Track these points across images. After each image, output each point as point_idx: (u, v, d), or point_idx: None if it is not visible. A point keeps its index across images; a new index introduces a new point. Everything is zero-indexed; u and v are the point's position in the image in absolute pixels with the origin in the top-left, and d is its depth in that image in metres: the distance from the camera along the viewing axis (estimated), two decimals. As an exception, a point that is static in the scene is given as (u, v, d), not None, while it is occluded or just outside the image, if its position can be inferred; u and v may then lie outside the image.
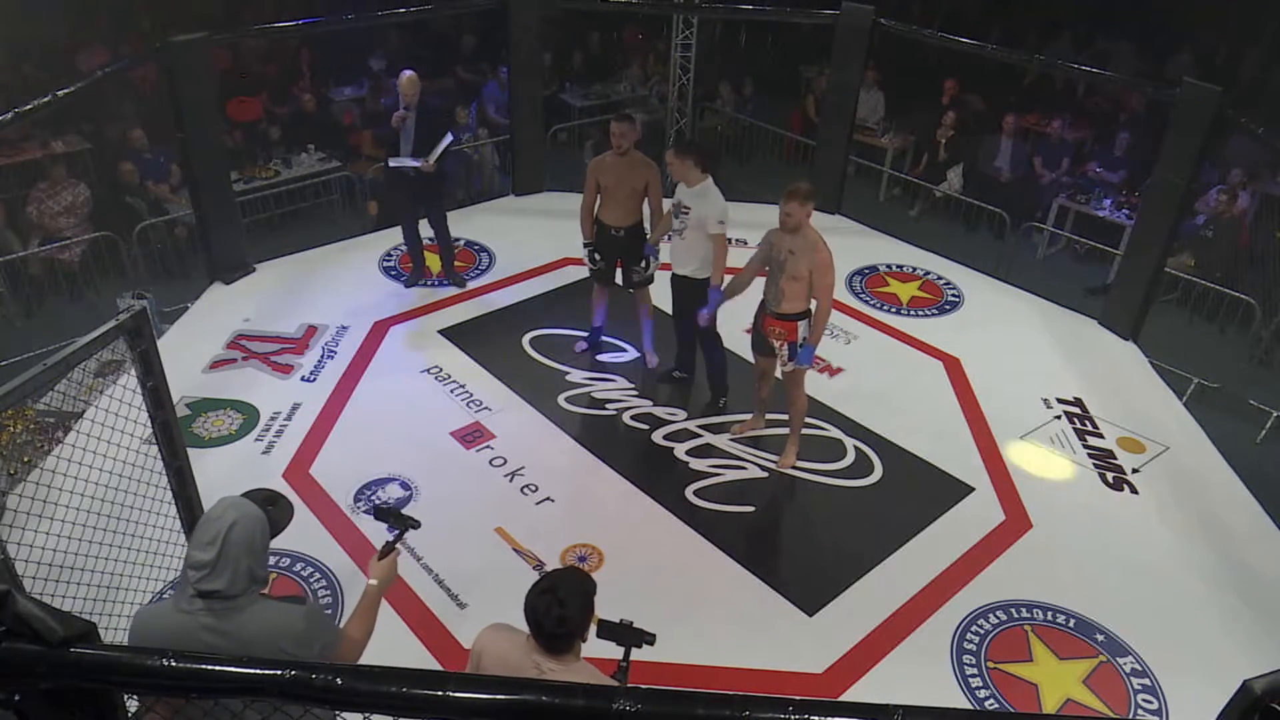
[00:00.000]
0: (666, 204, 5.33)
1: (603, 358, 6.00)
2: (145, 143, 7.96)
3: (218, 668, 1.44)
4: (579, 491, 4.97)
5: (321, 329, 6.19)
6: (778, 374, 5.05)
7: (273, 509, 2.39)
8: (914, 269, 7.29)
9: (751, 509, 4.88)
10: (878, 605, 4.30)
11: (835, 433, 5.41)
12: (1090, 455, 5.36)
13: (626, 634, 2.61)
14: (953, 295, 6.98)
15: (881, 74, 9.89)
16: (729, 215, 5.03)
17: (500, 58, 9.06)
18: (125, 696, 1.69)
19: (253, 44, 9.85)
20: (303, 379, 5.70)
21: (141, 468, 3.58)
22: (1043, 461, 5.30)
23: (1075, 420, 5.64)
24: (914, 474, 5.16)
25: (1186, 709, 3.85)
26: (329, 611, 4.12)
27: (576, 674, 2.34)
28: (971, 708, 3.78)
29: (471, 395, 5.61)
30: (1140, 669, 4.05)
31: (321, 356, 5.91)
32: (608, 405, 5.59)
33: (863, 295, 6.90)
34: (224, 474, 4.72)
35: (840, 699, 3.69)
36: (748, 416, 5.40)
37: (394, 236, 6.92)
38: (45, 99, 4.91)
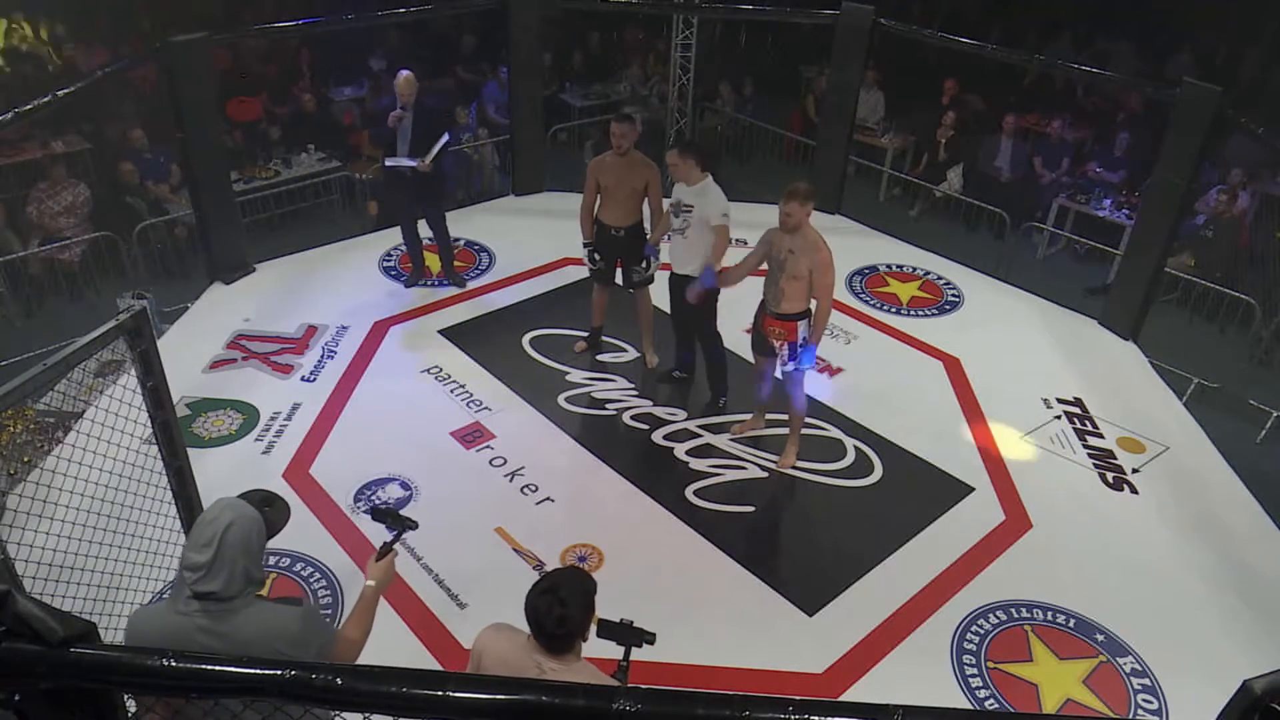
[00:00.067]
0: (666, 204, 5.33)
1: (603, 358, 6.00)
2: (145, 143, 7.97)
3: (218, 668, 1.44)
4: (579, 491, 4.97)
5: (321, 329, 6.19)
6: (778, 374, 5.05)
7: (269, 510, 2.39)
8: (914, 269, 7.29)
9: (751, 509, 4.88)
10: (878, 605, 4.30)
11: (835, 433, 5.41)
12: (1090, 455, 5.36)
13: (626, 633, 2.61)
14: (953, 295, 6.98)
15: (881, 74, 9.90)
16: (731, 211, 5.04)
17: (500, 58, 9.06)
18: (124, 697, 1.69)
19: (253, 44, 9.85)
20: (303, 379, 5.70)
21: (141, 468, 3.58)
22: (1043, 461, 5.30)
23: (1075, 420, 5.64)
24: (914, 474, 5.16)
25: (1186, 709, 3.85)
26: (329, 612, 4.12)
27: (577, 674, 2.34)
28: (971, 708, 3.78)
29: (471, 395, 5.61)
30: (1140, 669, 4.05)
31: (321, 356, 5.91)
32: (608, 405, 5.59)
33: (863, 295, 6.90)
34: (224, 474, 4.72)
35: (840, 699, 3.69)
36: (748, 416, 5.40)
37: (394, 236, 6.92)
38: (45, 99, 4.91)
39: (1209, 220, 7.80)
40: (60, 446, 4.56)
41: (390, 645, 3.85)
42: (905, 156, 9.90)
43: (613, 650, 2.64)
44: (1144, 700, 3.92)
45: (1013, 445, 5.40)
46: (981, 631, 4.20)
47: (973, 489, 5.05)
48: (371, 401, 5.54)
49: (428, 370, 5.83)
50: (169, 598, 2.25)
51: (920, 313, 6.74)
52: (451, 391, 5.65)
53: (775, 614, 4.27)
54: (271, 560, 4.32)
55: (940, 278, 7.18)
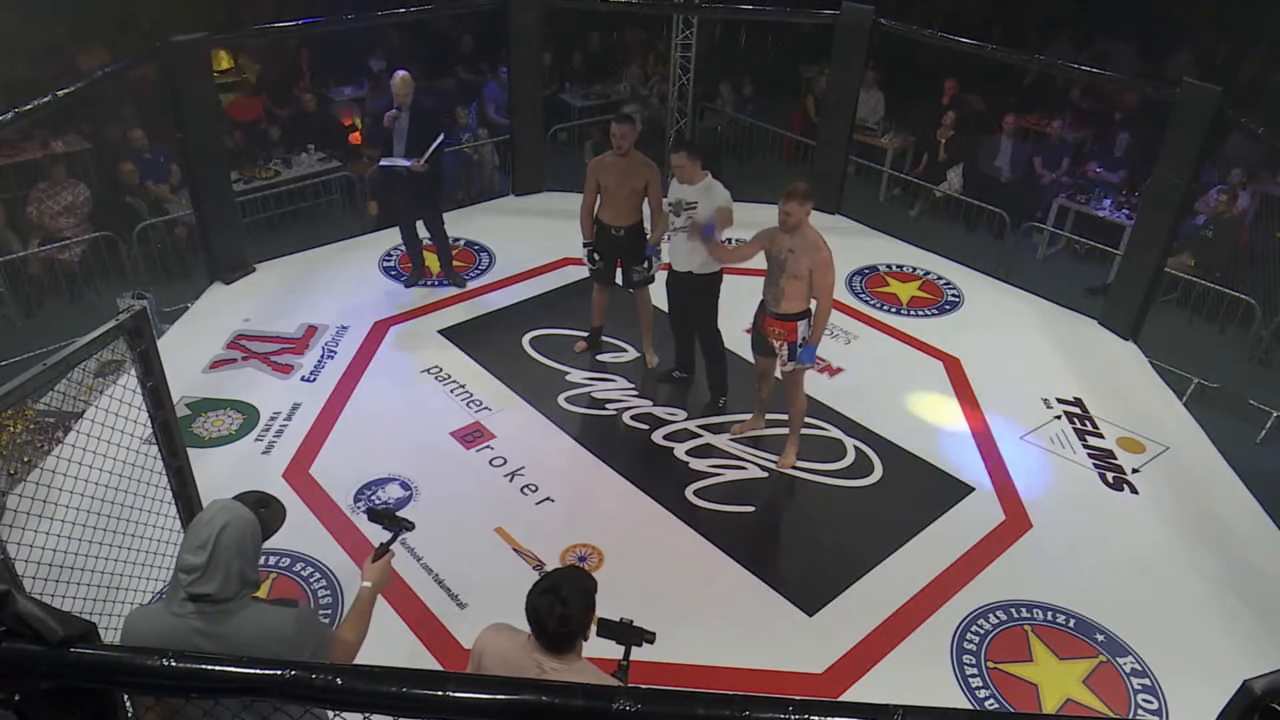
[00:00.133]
0: (665, 204, 5.32)
1: (603, 358, 6.00)
2: (145, 143, 7.97)
3: (218, 668, 1.44)
4: (579, 491, 4.97)
5: (321, 329, 6.19)
6: (778, 374, 5.05)
7: (264, 511, 2.39)
8: (914, 269, 7.29)
9: (751, 509, 4.88)
10: (878, 605, 4.30)
11: (835, 433, 5.41)
12: (1090, 455, 5.36)
13: (626, 633, 2.62)
14: (953, 295, 6.98)
15: (881, 74, 9.89)
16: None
17: (500, 58, 9.06)
18: (123, 697, 1.69)
19: (253, 44, 9.85)
20: (303, 379, 5.70)
21: (141, 468, 3.58)
22: (1043, 461, 5.30)
23: (1075, 420, 5.64)
24: (914, 474, 5.16)
25: (1186, 709, 3.85)
26: (328, 612, 4.12)
27: (579, 673, 2.34)
28: (971, 708, 3.78)
29: (471, 395, 5.61)
30: (1140, 669, 4.05)
31: (321, 356, 5.91)
32: (608, 405, 5.59)
33: (863, 295, 6.90)
34: (224, 474, 4.72)
35: (840, 699, 3.69)
36: (748, 416, 5.40)
37: (394, 236, 6.92)
38: (45, 99, 4.91)
39: (1209, 220, 7.80)
40: (60, 446, 4.56)
41: (390, 645, 3.86)
42: (905, 156, 9.90)
43: (613, 650, 2.64)
44: (1144, 700, 3.92)
45: (1013, 445, 5.40)
46: (981, 631, 4.20)
47: (973, 489, 5.05)
48: (371, 401, 5.54)
49: (428, 370, 5.83)
50: (164, 599, 2.25)
51: (920, 313, 6.74)
52: (451, 391, 5.65)
53: (775, 614, 4.27)
54: (271, 560, 4.33)
55: (940, 278, 7.18)
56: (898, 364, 6.15)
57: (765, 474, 5.09)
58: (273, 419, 5.33)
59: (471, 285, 6.80)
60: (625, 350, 6.06)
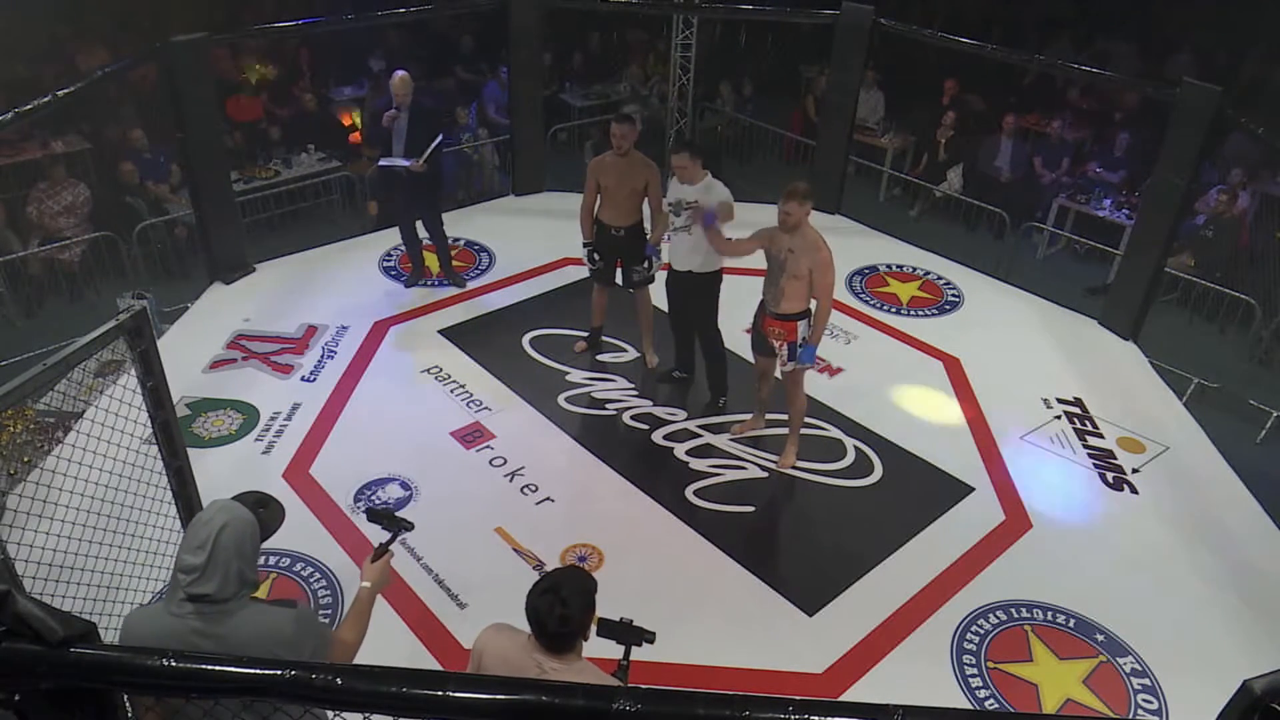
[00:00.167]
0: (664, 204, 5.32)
1: (603, 358, 6.00)
2: (145, 143, 7.97)
3: (218, 668, 1.44)
4: (579, 491, 4.97)
5: (321, 329, 6.19)
6: (777, 374, 5.05)
7: (263, 511, 2.38)
8: (914, 269, 7.29)
9: (751, 509, 4.88)
10: (878, 605, 4.30)
11: (835, 433, 5.41)
12: (1090, 455, 5.36)
13: (626, 632, 2.62)
14: (953, 295, 6.98)
15: (881, 74, 9.90)
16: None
17: (500, 58, 9.06)
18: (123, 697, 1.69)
19: (252, 44, 9.85)
20: (303, 379, 5.70)
21: (141, 468, 3.58)
22: (1043, 461, 5.30)
23: (1075, 420, 5.64)
24: (914, 474, 5.16)
25: (1186, 709, 3.85)
26: (329, 612, 4.12)
27: (579, 673, 2.34)
28: (971, 708, 3.78)
29: (471, 395, 5.61)
30: (1140, 669, 4.05)
31: (321, 356, 5.91)
32: (608, 405, 5.59)
33: (863, 295, 6.90)
34: (224, 474, 4.72)
35: (840, 699, 3.69)
36: (748, 416, 5.40)
37: (394, 237, 6.92)
38: (45, 99, 4.91)
39: (1209, 220, 7.81)
40: (60, 446, 4.56)
41: (390, 645, 3.86)
42: (905, 156, 9.90)
43: (612, 650, 2.64)
44: (1144, 700, 3.92)
45: (1013, 445, 5.40)
46: (981, 631, 4.20)
47: (973, 489, 5.05)
48: (371, 401, 5.54)
49: (428, 370, 5.83)
50: (163, 600, 2.25)
51: (920, 313, 6.74)
52: (451, 391, 5.65)
53: (775, 614, 4.27)
54: (271, 560, 4.33)
55: (940, 278, 7.19)
56: (898, 364, 6.15)
57: (765, 474, 5.09)
58: (273, 419, 5.33)
59: (472, 285, 6.80)
60: (625, 350, 6.06)
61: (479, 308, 6.55)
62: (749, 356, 5.24)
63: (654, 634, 2.62)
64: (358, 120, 9.51)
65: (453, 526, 4.59)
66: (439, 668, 3.80)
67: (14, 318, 6.97)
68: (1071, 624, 4.26)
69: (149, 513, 3.64)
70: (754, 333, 5.01)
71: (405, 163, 6.01)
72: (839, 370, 6.01)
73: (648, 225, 5.59)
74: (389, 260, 7.07)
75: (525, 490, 4.91)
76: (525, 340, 6.15)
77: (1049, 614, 4.31)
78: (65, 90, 5.10)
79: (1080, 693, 3.95)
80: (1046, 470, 5.24)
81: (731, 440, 5.32)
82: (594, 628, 2.48)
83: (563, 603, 2.30)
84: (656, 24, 10.92)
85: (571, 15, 10.76)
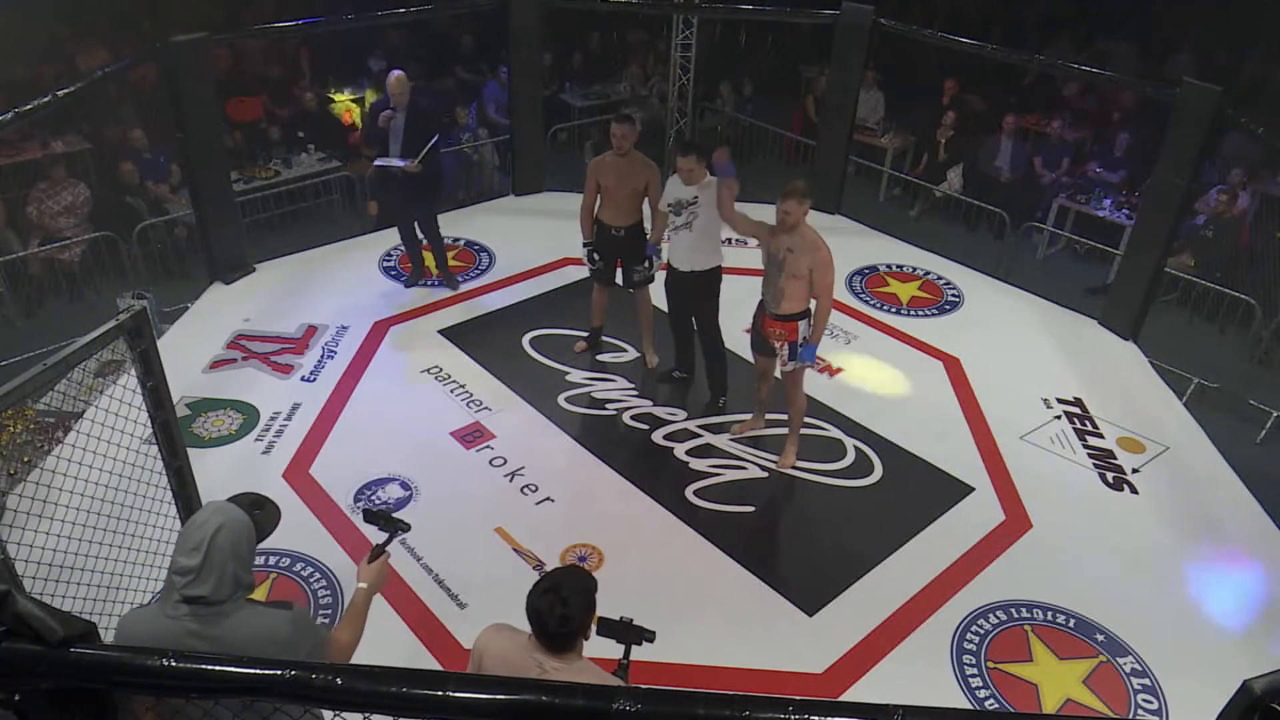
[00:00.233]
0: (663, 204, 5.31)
1: (603, 358, 6.00)
2: (145, 143, 7.97)
3: (217, 668, 1.44)
4: (579, 491, 4.97)
5: (321, 329, 6.19)
6: (777, 374, 5.05)
7: (259, 513, 2.38)
8: (914, 269, 7.29)
9: (751, 509, 4.88)
10: (878, 605, 4.30)
11: (835, 433, 5.41)
12: (1090, 455, 5.36)
13: (626, 631, 2.62)
14: (953, 295, 6.98)
15: (881, 74, 9.89)
16: None
17: (500, 58, 9.06)
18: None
19: (252, 44, 9.84)
20: (303, 379, 5.70)
21: (141, 468, 3.58)
22: (1043, 461, 5.30)
23: (1075, 420, 5.64)
24: (914, 474, 5.16)
25: (1186, 709, 3.85)
26: (328, 612, 4.12)
27: (580, 673, 2.34)
28: (971, 708, 3.78)
29: (471, 395, 5.61)
30: (1140, 669, 4.05)
31: (321, 356, 5.91)
32: (608, 405, 5.59)
33: (863, 295, 6.90)
34: (224, 474, 4.73)
35: (840, 699, 3.69)
36: (747, 416, 5.40)
37: (394, 237, 6.92)
38: (45, 99, 4.91)
39: (1209, 220, 7.80)
40: (60, 446, 4.56)
41: (390, 645, 3.87)
42: (905, 156, 9.90)
43: (613, 649, 2.64)
44: (1144, 700, 3.92)
45: (1013, 445, 5.40)
46: (981, 631, 4.20)
47: (973, 489, 5.05)
48: (371, 401, 5.54)
49: (428, 370, 5.83)
50: (158, 601, 2.25)
51: (920, 313, 6.74)
52: (451, 391, 5.65)
53: (775, 614, 4.27)
54: (271, 560, 4.33)
55: (940, 278, 7.18)
56: (898, 364, 6.15)
57: (765, 474, 5.09)
58: (273, 419, 5.33)
59: (471, 285, 6.80)
60: (625, 350, 6.06)
61: (479, 308, 6.55)
62: (749, 356, 5.24)
63: (654, 633, 2.62)
64: (358, 120, 9.49)
65: (453, 526, 4.59)
66: (439, 668, 3.80)
67: (14, 318, 6.97)
68: (1071, 624, 4.26)
69: (149, 513, 3.64)
70: (753, 333, 5.01)
71: (401, 163, 6.01)
72: (839, 370, 6.01)
73: (648, 225, 5.59)
74: (389, 260, 7.07)
75: (525, 490, 4.91)
76: (525, 340, 6.15)
77: (1049, 614, 4.31)
78: (65, 90, 5.10)
79: (1080, 693, 3.95)
80: (1046, 470, 5.23)
81: (731, 440, 5.32)
82: (594, 627, 2.48)
83: (563, 602, 2.30)
84: (656, 24, 10.92)
85: (571, 15, 10.76)
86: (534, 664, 2.34)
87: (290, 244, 7.40)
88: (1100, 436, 5.51)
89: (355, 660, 2.47)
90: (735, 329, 5.56)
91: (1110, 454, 5.37)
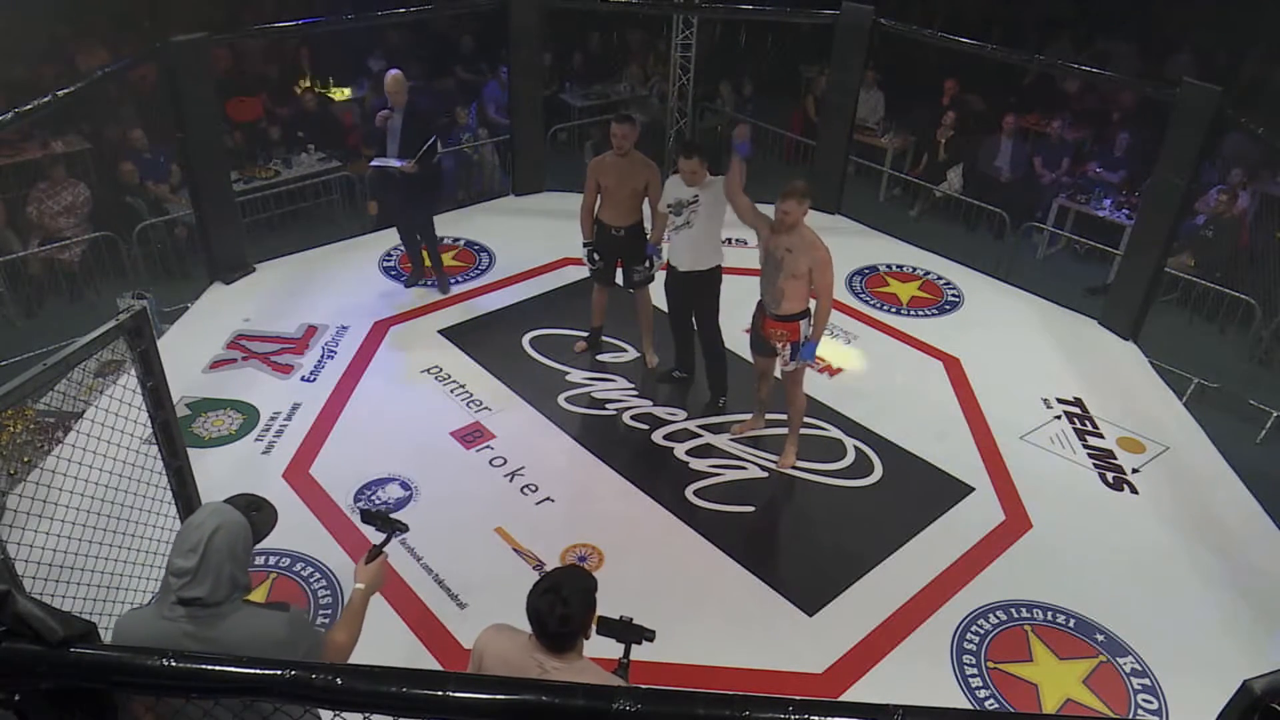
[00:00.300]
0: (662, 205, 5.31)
1: (603, 358, 6.00)
2: (145, 143, 7.97)
3: (218, 668, 1.44)
4: (579, 491, 4.97)
5: (321, 329, 6.19)
6: (777, 374, 5.05)
7: (256, 515, 2.37)
8: (914, 269, 7.29)
9: (751, 509, 4.88)
10: (878, 605, 4.30)
11: (835, 433, 5.41)
12: (1090, 455, 5.36)
13: (626, 631, 2.62)
14: (953, 295, 6.98)
15: (881, 74, 9.89)
16: None
17: (500, 58, 9.06)
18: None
19: (252, 44, 9.85)
20: (303, 379, 5.70)
21: (141, 468, 3.58)
22: (1043, 461, 5.30)
23: (1075, 420, 5.64)
24: (914, 474, 5.16)
25: (1186, 709, 3.85)
26: (328, 612, 4.12)
27: (580, 672, 2.34)
28: (971, 708, 3.78)
29: (471, 395, 5.61)
30: (1140, 669, 4.05)
31: (321, 356, 5.91)
32: (608, 405, 5.59)
33: (863, 295, 6.90)
34: (224, 474, 4.73)
35: (840, 699, 3.69)
36: (747, 416, 5.40)
37: (394, 237, 6.92)
38: (45, 99, 4.91)
39: (1209, 220, 7.80)
40: (60, 446, 4.56)
41: (390, 645, 3.87)
42: (905, 156, 9.90)
43: (612, 649, 2.64)
44: (1144, 700, 3.92)
45: (1013, 445, 5.40)
46: (981, 631, 4.20)
47: (973, 489, 5.05)
48: (371, 401, 5.54)
49: (428, 370, 5.83)
50: (155, 603, 2.25)
51: (920, 313, 6.74)
52: (451, 391, 5.65)
53: (775, 614, 4.27)
54: (271, 560, 4.33)
55: (940, 278, 7.18)
56: (898, 364, 6.15)
57: (765, 474, 5.09)
58: (273, 419, 5.33)
59: (472, 285, 6.80)
60: (625, 350, 6.06)
61: (479, 308, 6.55)
62: (749, 356, 5.24)
63: (654, 632, 2.62)
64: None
65: (453, 526, 4.59)
66: (439, 668, 3.80)
67: (14, 318, 6.97)
68: (1071, 624, 4.26)
69: (149, 513, 3.64)
70: (753, 333, 5.01)
71: (398, 163, 6.00)
72: (839, 370, 6.01)
73: (648, 225, 5.59)
74: (389, 260, 7.07)
75: (525, 490, 4.91)
76: (525, 340, 6.15)
77: (1049, 614, 4.31)
78: (65, 90, 5.10)
79: (1080, 693, 3.95)
80: (1046, 470, 5.23)
81: (731, 440, 5.32)
82: (594, 627, 2.48)
83: (564, 602, 2.30)
84: (656, 24, 10.92)
85: (571, 15, 10.76)
86: (534, 664, 2.34)
87: (290, 244, 7.40)
88: (1100, 436, 5.51)
89: (355, 660, 2.47)
90: (735, 329, 5.55)
91: (1110, 454, 5.37)
